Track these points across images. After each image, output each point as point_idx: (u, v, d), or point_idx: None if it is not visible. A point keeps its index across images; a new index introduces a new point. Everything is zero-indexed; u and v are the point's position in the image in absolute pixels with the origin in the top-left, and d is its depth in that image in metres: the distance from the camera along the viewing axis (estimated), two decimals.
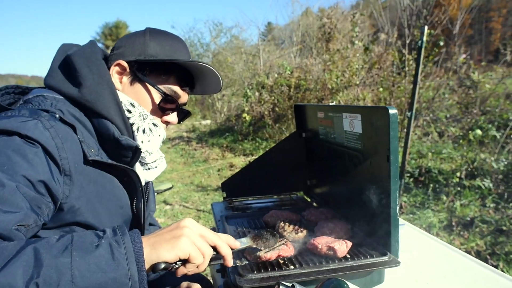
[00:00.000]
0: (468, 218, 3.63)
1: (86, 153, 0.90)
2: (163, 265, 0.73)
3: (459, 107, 6.31)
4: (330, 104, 1.60)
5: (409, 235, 1.57)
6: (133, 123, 1.06)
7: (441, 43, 6.27)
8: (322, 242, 1.15)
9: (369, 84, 7.60)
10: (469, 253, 3.01)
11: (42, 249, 0.61)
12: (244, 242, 0.97)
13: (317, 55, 9.21)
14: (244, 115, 8.56)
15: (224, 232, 1.39)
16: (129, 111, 1.05)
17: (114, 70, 1.05)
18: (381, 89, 7.45)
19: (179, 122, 1.20)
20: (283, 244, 1.12)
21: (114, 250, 0.65)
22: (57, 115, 0.90)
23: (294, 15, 13.58)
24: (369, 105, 7.07)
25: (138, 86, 1.07)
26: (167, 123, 1.16)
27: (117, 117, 1.00)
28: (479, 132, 4.57)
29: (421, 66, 3.52)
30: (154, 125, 1.10)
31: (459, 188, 4.24)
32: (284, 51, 12.28)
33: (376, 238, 1.23)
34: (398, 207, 1.14)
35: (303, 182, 1.94)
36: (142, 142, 1.08)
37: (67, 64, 1.01)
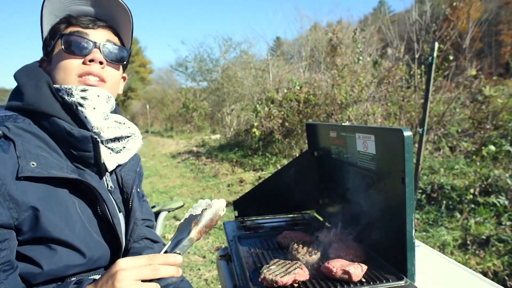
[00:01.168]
0: (484, 237, 3.55)
1: (19, 170, 0.86)
2: None
3: (471, 122, 6.24)
4: (343, 124, 1.60)
5: (424, 257, 1.54)
6: (70, 103, 1.01)
7: (451, 57, 6.26)
8: (337, 265, 1.13)
9: (378, 99, 7.59)
10: (485, 273, 2.95)
11: None
12: (186, 244, 0.87)
13: (326, 69, 9.26)
14: (254, 130, 8.58)
15: (237, 253, 1.38)
16: (62, 98, 1.02)
17: (43, 65, 1.10)
18: (389, 104, 7.43)
19: (119, 61, 1.12)
20: (298, 267, 1.11)
21: None
22: (0, 132, 0.91)
23: (302, 30, 13.71)
24: (379, 120, 7.05)
25: (53, 59, 1.07)
26: (98, 76, 1.06)
27: (61, 111, 1.00)
28: (492, 148, 4.51)
29: (431, 82, 3.51)
30: (83, 90, 1.01)
31: (473, 205, 4.16)
32: (293, 65, 12.36)
33: (391, 261, 1.21)
34: (413, 230, 1.12)
35: (315, 201, 1.93)
36: (86, 118, 1.01)
37: (15, 85, 1.05)
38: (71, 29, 1.06)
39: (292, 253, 1.30)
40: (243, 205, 1.91)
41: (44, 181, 0.91)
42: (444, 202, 4.35)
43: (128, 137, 1.11)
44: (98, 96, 1.03)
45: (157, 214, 1.93)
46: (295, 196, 1.92)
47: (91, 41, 1.05)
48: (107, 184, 1.13)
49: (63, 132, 0.97)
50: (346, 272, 1.10)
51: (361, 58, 7.53)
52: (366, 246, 1.36)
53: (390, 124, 7.03)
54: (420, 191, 4.70)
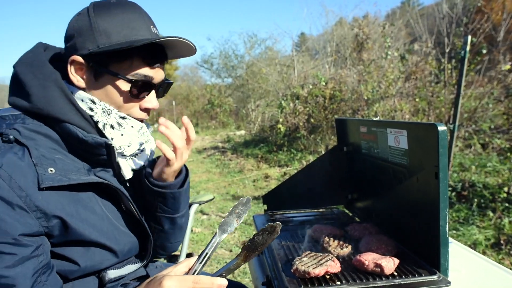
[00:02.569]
0: None
1: (39, 180, 0.84)
2: None
3: (505, 118, 6.01)
4: (374, 119, 1.59)
5: (456, 254, 1.52)
6: (98, 121, 0.97)
7: (484, 51, 6.04)
8: (369, 258, 1.14)
9: (406, 95, 7.43)
10: None
11: None
12: (232, 268, 0.86)
13: (352, 65, 9.13)
14: (279, 126, 8.59)
15: (269, 245, 1.41)
16: (91, 109, 0.96)
17: (71, 69, 0.95)
18: (417, 100, 7.26)
19: (162, 95, 1.09)
20: (330, 260, 1.13)
21: None
22: (11, 137, 0.86)
23: (328, 25, 13.55)
24: (407, 116, 6.90)
25: (102, 79, 0.96)
26: (147, 110, 1.04)
27: (75, 117, 0.93)
28: None
29: (464, 76, 3.42)
30: (122, 118, 0.99)
31: (507, 204, 4.03)
32: (318, 61, 12.26)
33: (423, 256, 1.22)
34: (447, 225, 1.12)
35: (344, 196, 1.93)
36: (112, 138, 0.99)
37: (14, 76, 0.95)
38: (138, 67, 0.96)
39: (324, 246, 1.32)
40: (272, 200, 1.94)
41: (66, 187, 0.89)
42: (476, 200, 4.23)
43: (144, 143, 1.08)
44: (133, 127, 1.03)
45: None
46: (323, 191, 1.94)
47: (154, 86, 1.02)
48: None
49: (76, 139, 0.93)
50: (378, 265, 1.11)
51: (389, 53, 7.39)
52: (397, 241, 1.36)
53: (419, 120, 6.88)
54: (450, 188, 4.59)
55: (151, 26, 0.99)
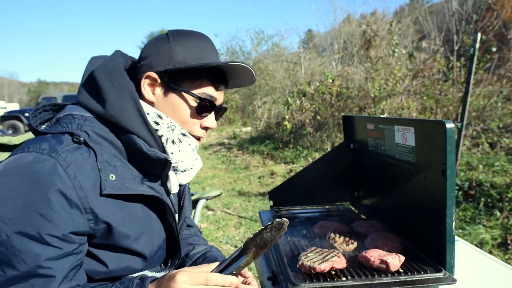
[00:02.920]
0: None
1: (102, 185, 0.89)
2: None
3: None
4: (381, 116, 1.59)
5: (463, 252, 1.52)
6: (162, 135, 1.03)
7: (494, 49, 5.98)
8: (375, 255, 1.15)
9: (413, 93, 7.38)
10: None
11: None
12: (242, 266, 0.89)
13: (359, 62, 9.08)
14: (285, 122, 8.58)
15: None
16: (157, 123, 1.03)
17: (145, 82, 1.02)
18: (425, 98, 7.20)
19: (217, 118, 1.17)
20: (336, 256, 1.14)
21: None
22: (81, 138, 0.91)
23: (335, 22, 13.46)
24: (414, 114, 6.86)
25: (172, 95, 1.04)
26: (206, 128, 1.12)
27: (142, 129, 0.99)
28: None
29: (472, 74, 3.39)
30: (183, 135, 1.06)
31: None
32: (325, 58, 12.20)
33: (429, 254, 1.22)
34: (453, 223, 1.12)
35: (350, 193, 1.93)
36: (172, 153, 1.05)
37: (91, 80, 1.00)
38: (206, 87, 1.05)
39: (329, 242, 1.33)
40: (278, 196, 1.95)
41: (120, 195, 0.94)
42: (483, 199, 4.20)
43: (194, 160, 1.15)
44: (190, 144, 1.09)
45: (195, 202, 2.00)
46: (329, 188, 1.94)
47: (216, 107, 1.09)
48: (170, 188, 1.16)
49: (138, 150, 0.98)
50: (384, 261, 1.11)
51: (396, 50, 7.33)
52: (403, 238, 1.36)
53: (426, 118, 6.82)
54: (457, 187, 4.56)
55: (218, 55, 1.09)
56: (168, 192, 1.13)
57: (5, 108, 30.96)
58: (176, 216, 1.20)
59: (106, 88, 0.97)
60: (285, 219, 0.87)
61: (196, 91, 1.04)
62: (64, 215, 0.83)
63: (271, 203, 1.95)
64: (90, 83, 1.00)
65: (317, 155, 7.52)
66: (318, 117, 8.20)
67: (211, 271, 0.89)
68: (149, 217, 1.04)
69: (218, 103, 1.10)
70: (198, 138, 1.12)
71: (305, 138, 8.38)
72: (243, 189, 6.16)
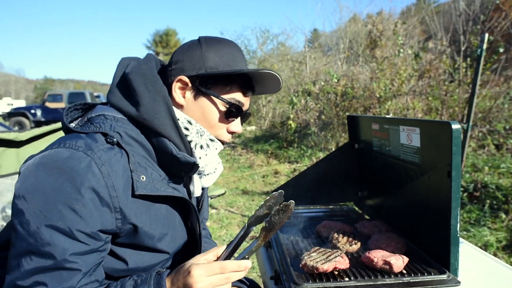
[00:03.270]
0: None
1: (134, 186, 0.91)
2: None
3: None
4: (387, 116, 1.59)
5: (467, 254, 1.51)
6: (191, 141, 1.06)
7: (501, 50, 5.93)
8: (378, 256, 1.14)
9: (419, 93, 7.34)
10: None
11: None
12: (253, 250, 0.92)
13: (365, 62, 9.05)
14: (290, 122, 8.57)
15: (277, 240, 1.42)
16: (187, 129, 1.05)
17: (176, 86, 1.04)
18: (430, 98, 7.16)
19: (242, 123, 1.20)
20: (339, 256, 1.13)
21: None
22: (115, 139, 0.92)
23: (341, 22, 13.41)
24: (419, 115, 6.82)
25: (202, 99, 1.06)
26: (232, 133, 1.14)
27: (173, 133, 1.01)
28: None
29: (479, 75, 3.36)
30: (211, 140, 1.09)
31: None
32: (331, 58, 12.16)
33: (433, 255, 1.21)
34: (458, 225, 1.11)
35: (354, 193, 1.93)
36: (200, 158, 1.08)
37: (125, 82, 1.03)
38: (235, 93, 1.08)
39: (333, 242, 1.33)
40: None
41: (148, 196, 0.95)
42: (488, 201, 4.17)
43: (217, 164, 1.17)
44: (216, 149, 1.12)
45: None
46: (333, 188, 1.93)
47: (242, 112, 1.12)
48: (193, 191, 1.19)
49: (169, 153, 1.00)
50: (387, 262, 1.11)
51: (402, 50, 7.29)
52: (407, 239, 1.36)
53: (432, 119, 6.78)
54: (462, 189, 4.53)
55: (246, 62, 1.13)
56: (189, 194, 1.15)
57: (12, 104, 31.15)
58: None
59: (141, 91, 0.99)
60: (291, 200, 0.89)
61: (226, 96, 1.06)
62: (95, 213, 0.84)
63: None
64: (124, 85, 1.03)
65: (321, 155, 7.51)
66: (323, 117, 8.18)
67: (221, 255, 0.91)
68: (173, 218, 1.06)
69: (245, 108, 1.13)
70: (223, 142, 1.15)
71: (310, 138, 8.37)
72: (247, 188, 6.16)
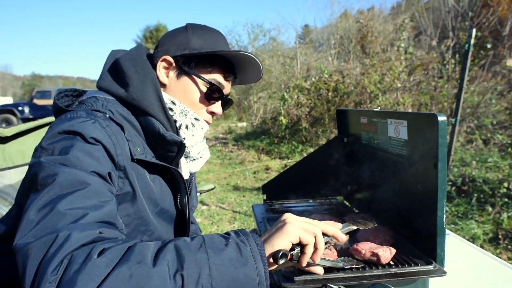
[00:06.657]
0: None
1: (132, 152, 0.96)
2: (280, 253, 0.78)
3: (508, 114, 5.98)
4: (375, 109, 1.60)
5: (454, 245, 1.53)
6: (176, 121, 1.10)
7: (489, 46, 5.99)
8: (366, 247, 1.15)
9: (409, 88, 7.40)
10: None
11: (182, 246, 0.70)
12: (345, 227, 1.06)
13: (356, 58, 9.08)
14: (281, 118, 8.58)
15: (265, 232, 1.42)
16: (171, 109, 1.09)
17: (160, 65, 1.09)
18: (420, 94, 7.23)
19: (223, 111, 1.23)
20: (327, 248, 1.14)
21: (241, 249, 0.72)
22: (107, 115, 0.96)
23: (332, 17, 13.44)
24: (409, 110, 6.88)
25: (184, 79, 1.11)
26: (212, 113, 1.18)
27: (161, 113, 1.05)
28: None
29: (467, 70, 3.40)
30: (196, 119, 1.13)
31: (506, 199, 4.03)
32: (322, 53, 12.19)
33: (420, 246, 1.22)
34: (444, 216, 1.12)
35: (343, 187, 1.93)
36: (184, 138, 1.11)
37: (115, 67, 1.07)
38: (216, 74, 1.12)
39: None
40: (272, 189, 1.95)
41: (144, 165, 1.00)
42: (475, 195, 4.23)
43: (203, 149, 1.21)
44: (202, 129, 1.15)
45: None
46: (323, 182, 1.94)
47: (224, 96, 1.17)
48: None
49: (156, 133, 1.03)
50: (375, 254, 1.11)
51: (402, 45, 7.32)
52: (395, 231, 1.37)
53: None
54: (450, 183, 4.59)
55: (229, 48, 1.16)
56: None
57: None
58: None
59: (130, 73, 1.04)
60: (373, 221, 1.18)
61: (207, 76, 1.11)
62: (104, 161, 0.86)
63: (265, 196, 1.95)
64: (114, 70, 1.08)
65: (312, 150, 7.53)
66: (314, 113, 8.20)
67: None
68: (165, 196, 1.10)
69: (225, 92, 1.17)
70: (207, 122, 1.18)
71: (301, 134, 8.39)
72: (238, 184, 6.16)
